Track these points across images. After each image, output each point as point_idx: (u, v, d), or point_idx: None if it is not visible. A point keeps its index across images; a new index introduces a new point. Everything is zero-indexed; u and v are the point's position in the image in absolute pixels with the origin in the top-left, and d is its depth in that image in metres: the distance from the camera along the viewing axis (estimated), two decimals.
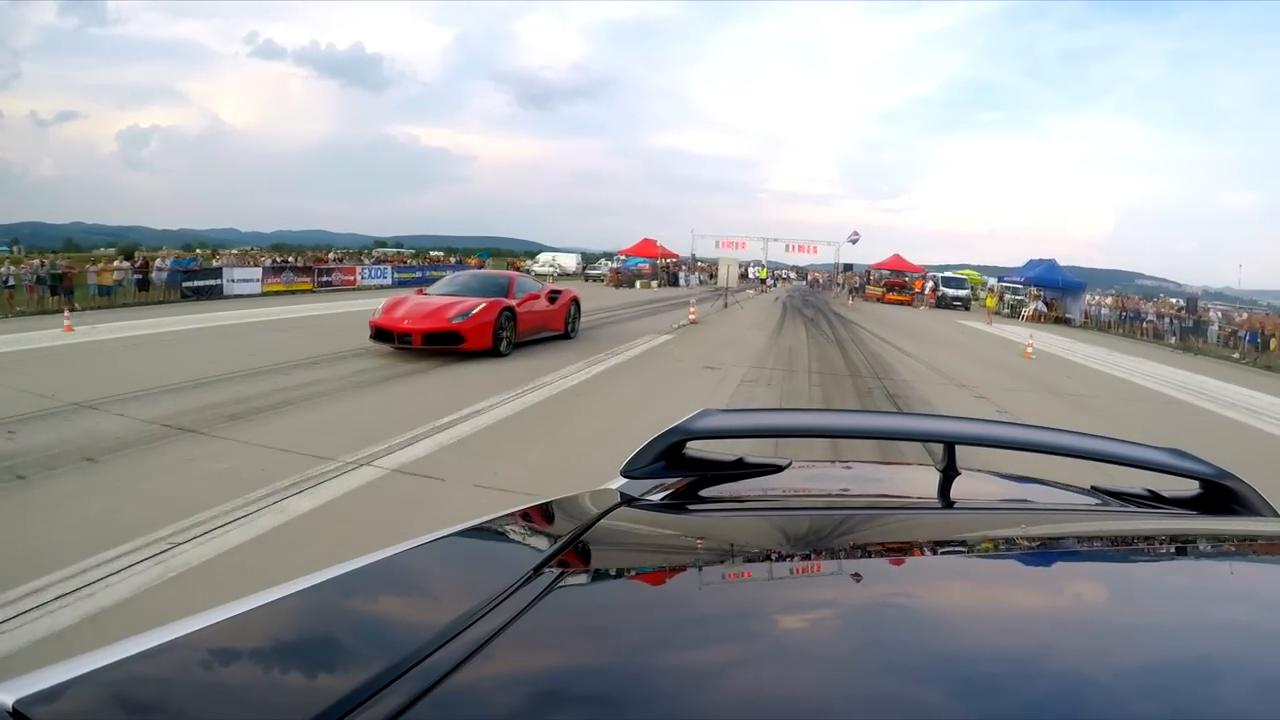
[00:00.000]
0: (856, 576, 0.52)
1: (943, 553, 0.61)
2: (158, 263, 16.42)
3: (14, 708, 0.31)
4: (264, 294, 16.32)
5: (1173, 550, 0.64)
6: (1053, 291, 23.63)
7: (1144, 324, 19.07)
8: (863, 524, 0.71)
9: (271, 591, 0.43)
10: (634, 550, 0.62)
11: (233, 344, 7.60)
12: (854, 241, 35.02)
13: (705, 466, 0.76)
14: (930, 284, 28.27)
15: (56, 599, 2.12)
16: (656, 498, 0.71)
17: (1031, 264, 25.68)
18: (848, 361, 9.17)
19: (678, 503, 0.72)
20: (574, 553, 0.53)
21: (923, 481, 0.90)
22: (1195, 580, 0.55)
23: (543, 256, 38.08)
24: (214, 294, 15.35)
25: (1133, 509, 0.79)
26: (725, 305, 18.06)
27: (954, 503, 0.81)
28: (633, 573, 0.56)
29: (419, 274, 20.95)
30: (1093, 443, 0.77)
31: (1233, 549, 0.65)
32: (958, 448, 0.81)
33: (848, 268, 38.03)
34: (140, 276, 15.10)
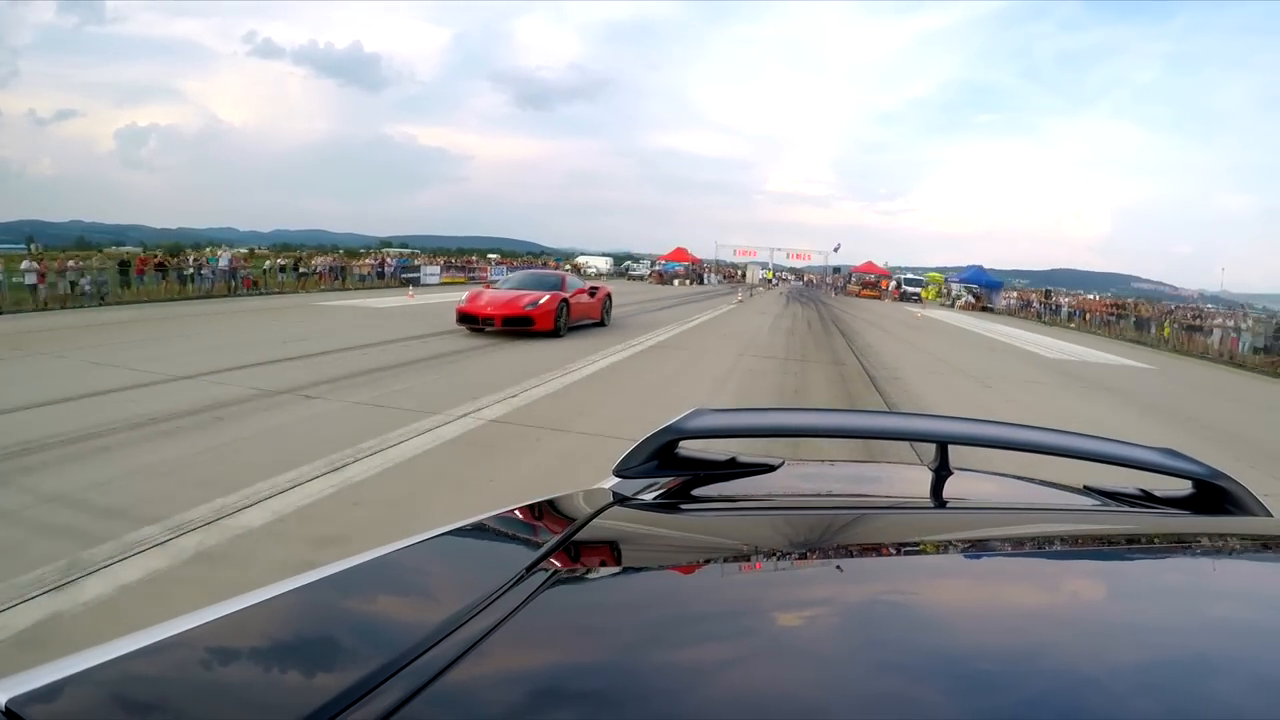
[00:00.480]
0: (849, 576, 0.53)
1: (936, 552, 0.62)
2: (389, 261, 25.63)
3: (6, 707, 0.31)
4: (442, 283, 25.33)
5: (1165, 549, 0.65)
6: (980, 288, 33.29)
7: (1031, 309, 28.42)
8: (855, 523, 0.72)
9: (266, 590, 0.44)
10: (626, 549, 0.62)
11: None
12: (836, 249, 45.03)
13: (698, 466, 0.77)
14: (894, 283, 38.35)
15: (600, 357, 10.56)
16: (649, 497, 0.72)
17: (968, 268, 35.82)
18: (820, 317, 18.42)
19: (670, 502, 0.72)
20: (566, 552, 0.54)
21: (916, 481, 0.90)
22: (1187, 579, 0.56)
23: (580, 259, 47.45)
24: (416, 282, 24.31)
25: (1125, 509, 0.80)
26: (751, 294, 28.14)
27: (947, 502, 0.81)
28: (625, 572, 0.57)
29: (523, 271, 29.97)
30: (1086, 443, 0.77)
31: (1225, 548, 0.66)
32: (951, 447, 0.81)
33: (836, 270, 48.41)
34: (380, 270, 24.11)
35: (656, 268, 42.77)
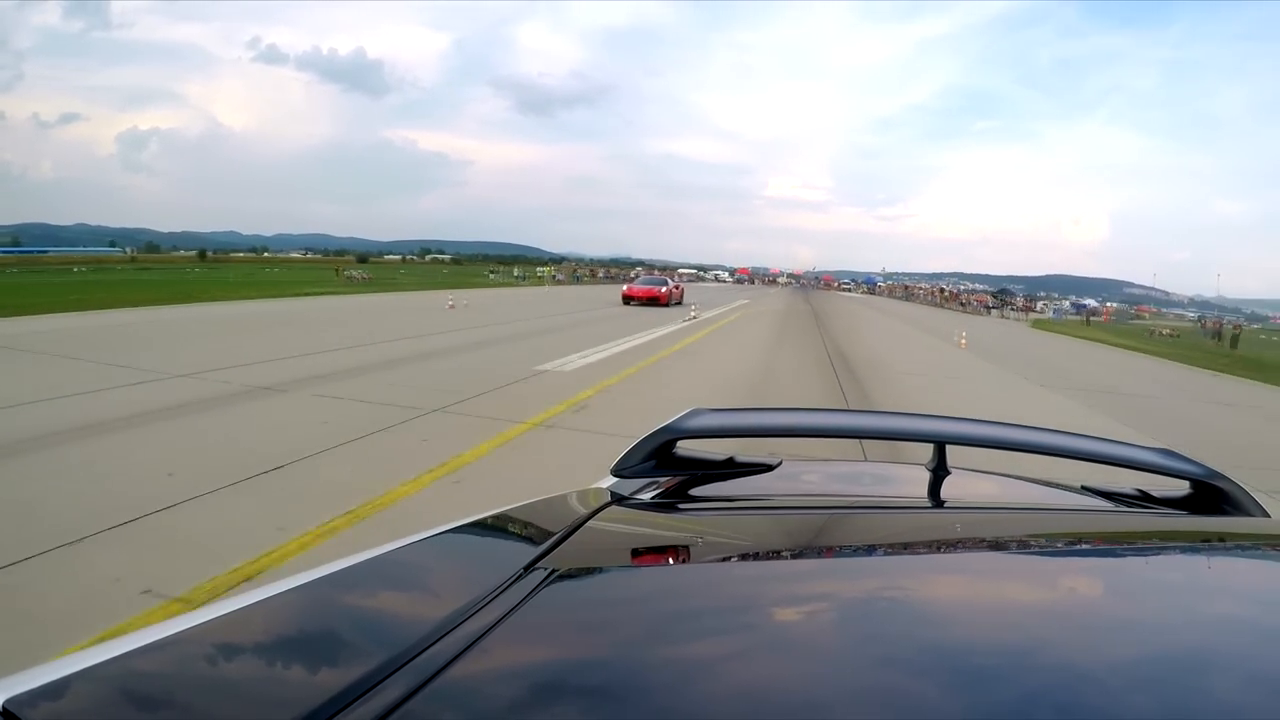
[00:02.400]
0: (847, 575, 0.55)
1: (933, 551, 0.64)
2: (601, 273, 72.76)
3: (4, 707, 0.31)
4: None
5: (1161, 549, 0.67)
6: (870, 285, 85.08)
7: (911, 295, 77.01)
8: (853, 523, 0.75)
9: (265, 589, 0.45)
10: (624, 548, 0.64)
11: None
12: (814, 269, 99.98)
13: (695, 466, 0.80)
14: (838, 282, 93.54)
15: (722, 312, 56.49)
16: (647, 497, 0.75)
17: (867, 275, 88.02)
18: (804, 294, 67.44)
19: (668, 502, 0.75)
20: (564, 551, 0.55)
21: (913, 480, 0.92)
22: (1184, 579, 0.58)
23: (678, 271, 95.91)
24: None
25: (1123, 509, 0.82)
26: (782, 287, 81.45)
27: (944, 502, 0.84)
28: (622, 570, 0.58)
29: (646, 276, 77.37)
30: (1083, 443, 0.80)
31: (1221, 548, 0.68)
32: (948, 446, 0.84)
33: (816, 276, 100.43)
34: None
35: (735, 276, 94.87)
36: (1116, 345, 22.13)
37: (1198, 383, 13.30)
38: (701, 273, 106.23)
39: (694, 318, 17.38)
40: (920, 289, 68.33)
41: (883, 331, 19.51)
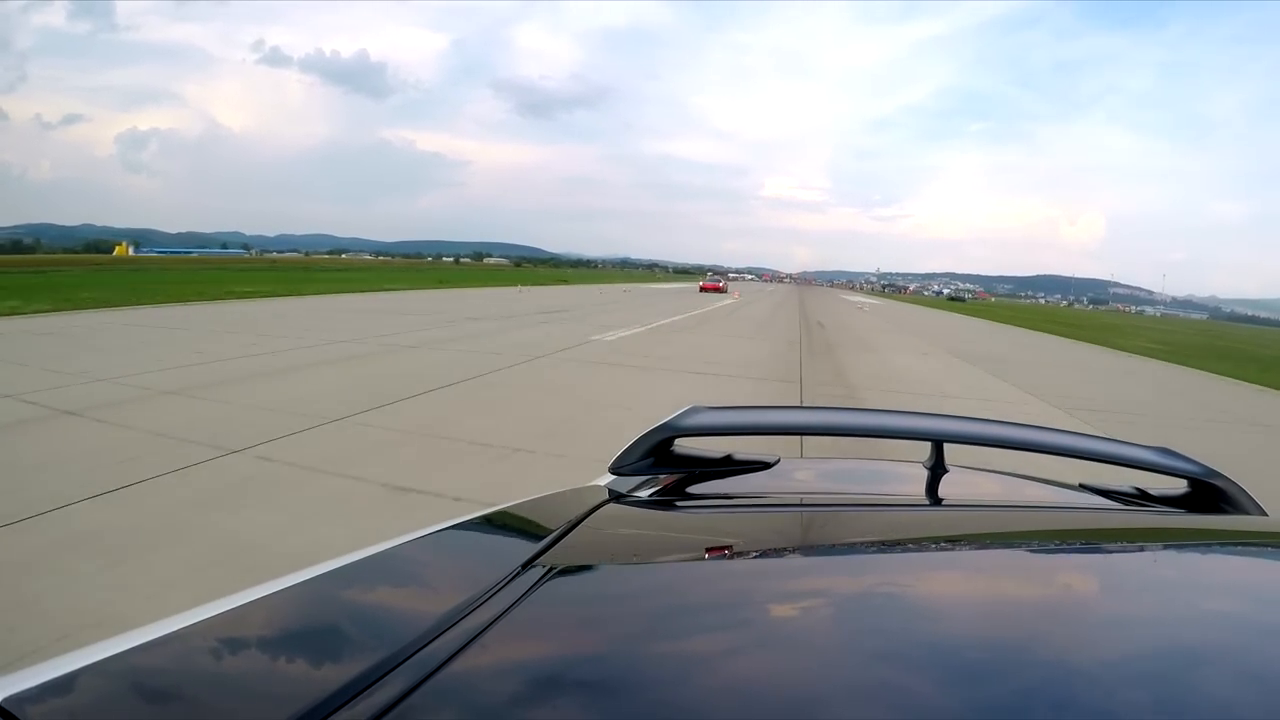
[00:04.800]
0: (843, 572, 0.57)
1: (930, 549, 0.66)
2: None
3: (3, 706, 0.32)
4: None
5: (1159, 547, 0.69)
6: (829, 282, 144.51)
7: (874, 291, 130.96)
8: (850, 520, 0.77)
9: (263, 586, 0.46)
10: (621, 545, 0.66)
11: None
12: (805, 272, 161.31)
13: (693, 463, 0.82)
14: (815, 282, 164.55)
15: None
16: (645, 494, 0.77)
17: (829, 275, 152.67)
18: (797, 289, 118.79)
19: (666, 499, 0.77)
20: (562, 548, 0.57)
21: (911, 478, 0.95)
22: (1180, 576, 0.60)
23: (729, 272, 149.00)
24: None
25: (1120, 507, 0.85)
26: (785, 284, 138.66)
27: (942, 500, 0.86)
28: (620, 567, 0.60)
29: (716, 273, 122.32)
30: (1082, 441, 0.83)
31: (1218, 546, 0.70)
32: (946, 445, 0.88)
33: (805, 278, 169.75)
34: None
35: (761, 279, 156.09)
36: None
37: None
38: (742, 275, 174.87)
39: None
40: (857, 284, 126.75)
41: (813, 294, 69.50)
